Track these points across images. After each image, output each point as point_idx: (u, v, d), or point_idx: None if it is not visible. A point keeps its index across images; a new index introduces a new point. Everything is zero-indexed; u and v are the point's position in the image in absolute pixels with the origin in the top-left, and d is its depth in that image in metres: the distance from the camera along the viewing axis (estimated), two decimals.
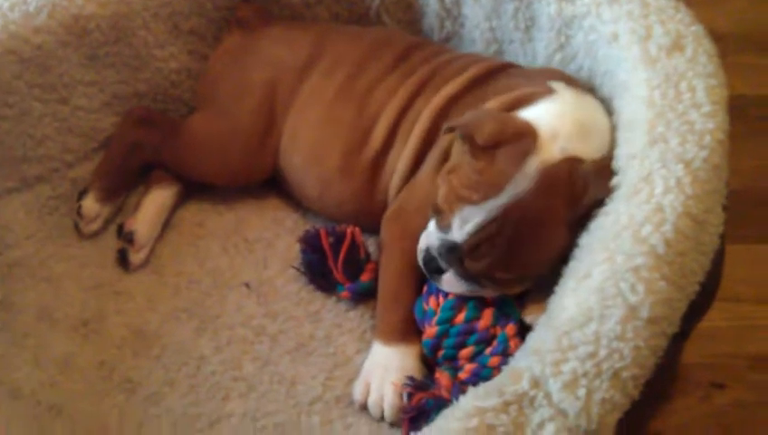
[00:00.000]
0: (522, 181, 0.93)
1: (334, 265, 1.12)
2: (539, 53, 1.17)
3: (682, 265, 0.83)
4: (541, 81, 1.06)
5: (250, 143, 1.22)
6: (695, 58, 0.95)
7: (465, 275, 0.98)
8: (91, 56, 1.21)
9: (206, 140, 1.23)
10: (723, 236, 0.89)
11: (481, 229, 0.94)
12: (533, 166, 0.94)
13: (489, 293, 1.01)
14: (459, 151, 1.01)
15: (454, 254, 0.97)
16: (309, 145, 1.20)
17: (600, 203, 0.93)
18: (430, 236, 1.01)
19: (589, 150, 0.97)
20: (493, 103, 1.06)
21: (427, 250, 1.02)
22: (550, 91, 1.03)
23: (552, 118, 0.98)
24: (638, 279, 0.81)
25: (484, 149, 0.96)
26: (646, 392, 0.81)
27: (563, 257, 0.94)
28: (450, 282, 1.00)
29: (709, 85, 0.93)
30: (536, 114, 0.99)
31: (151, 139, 1.24)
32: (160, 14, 1.25)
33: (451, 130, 1.01)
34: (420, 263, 1.03)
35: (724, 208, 0.89)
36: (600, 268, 0.83)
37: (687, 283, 0.84)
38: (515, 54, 1.22)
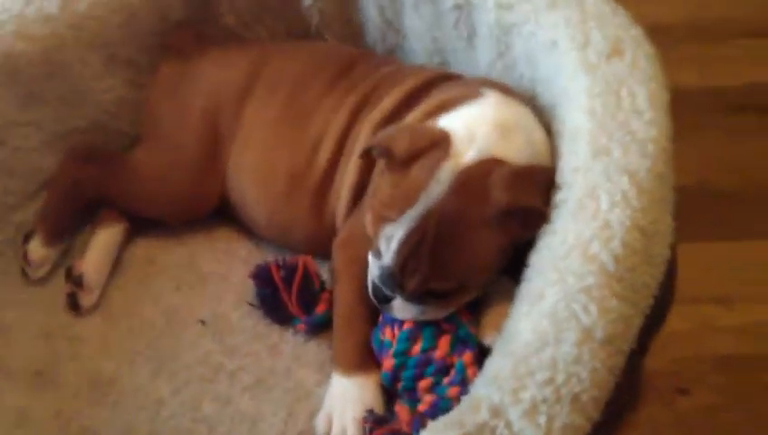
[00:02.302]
0: (435, 188, 0.92)
1: (288, 299, 1.10)
2: (480, 61, 1.16)
3: (633, 280, 0.81)
4: (474, 87, 1.04)
5: (195, 174, 1.20)
6: (634, 62, 0.94)
7: (410, 297, 0.96)
8: (26, 94, 1.18)
9: (150, 173, 1.21)
10: (674, 246, 0.87)
11: (404, 245, 0.92)
12: (447, 171, 0.92)
13: (442, 311, 0.98)
14: (379, 172, 1.00)
15: (392, 278, 0.95)
16: (254, 170, 1.18)
17: (537, 214, 0.91)
18: (371, 266, 0.99)
19: (510, 151, 0.95)
20: (416, 112, 1.05)
21: (372, 281, 1.00)
22: (476, 95, 1.01)
23: (471, 120, 0.97)
24: (590, 299, 0.79)
25: (402, 163, 0.94)
26: (607, 412, 0.80)
27: (501, 260, 0.94)
28: (400, 308, 0.98)
29: (650, 90, 0.91)
30: (456, 118, 0.98)
31: (94, 176, 1.21)
32: (94, 46, 1.21)
33: (369, 151, 1.00)
34: (371, 295, 1.01)
35: (674, 217, 0.88)
36: (552, 290, 0.81)
37: (640, 297, 0.83)
38: (459, 64, 1.21)
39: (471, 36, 1.16)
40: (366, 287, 1.02)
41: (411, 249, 0.92)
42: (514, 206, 0.90)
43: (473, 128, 0.95)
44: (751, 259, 1.38)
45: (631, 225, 0.82)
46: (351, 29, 1.30)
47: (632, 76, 0.92)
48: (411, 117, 1.06)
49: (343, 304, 1.06)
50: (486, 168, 0.92)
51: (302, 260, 1.12)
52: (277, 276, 1.10)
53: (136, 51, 1.27)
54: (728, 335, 1.28)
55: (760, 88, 1.62)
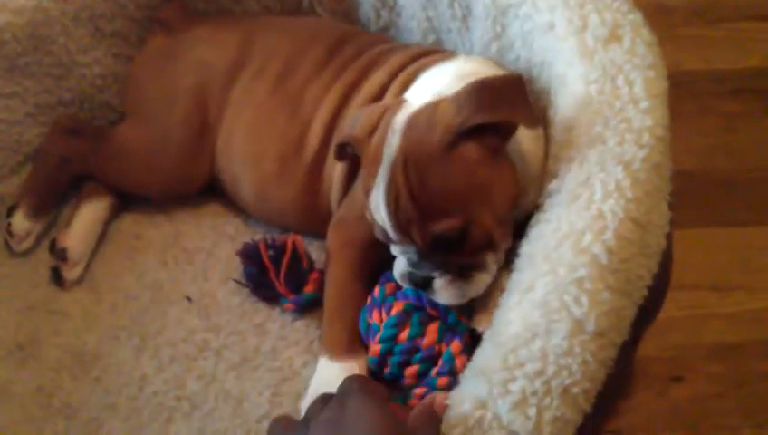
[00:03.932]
0: (392, 139, 0.90)
1: (276, 279, 1.08)
2: (476, 42, 1.13)
3: (627, 272, 0.79)
4: (453, 54, 1.03)
5: (182, 153, 1.17)
6: (632, 49, 0.91)
7: (431, 256, 0.90)
8: (9, 67, 1.17)
9: (136, 150, 1.18)
10: (669, 236, 0.86)
11: (389, 204, 0.89)
12: (400, 120, 0.90)
13: (482, 278, 0.91)
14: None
15: (406, 242, 0.91)
16: (244, 150, 1.15)
17: (503, 124, 0.87)
18: (397, 260, 0.95)
19: None
20: (393, 86, 1.05)
21: (405, 272, 0.94)
22: (449, 57, 1.01)
23: (432, 77, 0.96)
24: (582, 291, 0.77)
25: (365, 140, 0.94)
26: (598, 404, 0.79)
27: (498, 178, 0.89)
28: (442, 287, 0.92)
29: (647, 78, 0.89)
30: (423, 79, 0.98)
31: (79, 150, 1.19)
32: (80, 19, 1.19)
33: (343, 146, 0.98)
34: (410, 288, 0.96)
35: (670, 206, 0.86)
36: (543, 281, 0.79)
37: (634, 289, 0.81)
38: (454, 44, 1.18)
39: (466, 16, 1.13)
40: (357, 271, 1.01)
41: (395, 204, 0.89)
42: (464, 126, 0.86)
43: (431, 82, 0.94)
44: (749, 246, 1.36)
45: (625, 216, 0.80)
46: (345, 5, 1.28)
47: (630, 63, 0.90)
48: (389, 93, 1.05)
49: (334, 286, 1.04)
50: (434, 104, 0.90)
51: (291, 239, 1.09)
52: (266, 255, 1.08)
53: (123, 24, 1.24)
54: (723, 323, 1.27)
55: (763, 72, 1.59)
